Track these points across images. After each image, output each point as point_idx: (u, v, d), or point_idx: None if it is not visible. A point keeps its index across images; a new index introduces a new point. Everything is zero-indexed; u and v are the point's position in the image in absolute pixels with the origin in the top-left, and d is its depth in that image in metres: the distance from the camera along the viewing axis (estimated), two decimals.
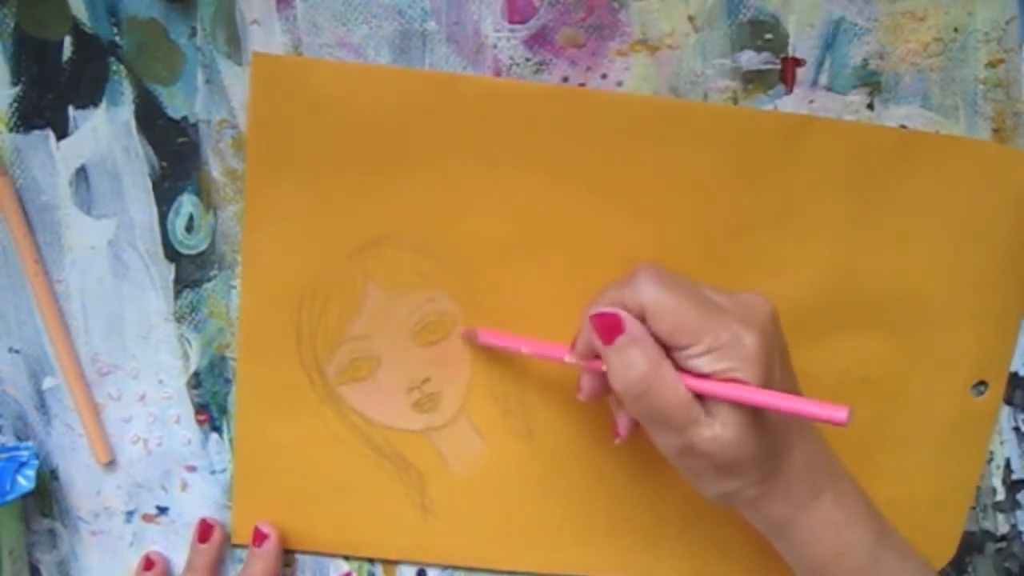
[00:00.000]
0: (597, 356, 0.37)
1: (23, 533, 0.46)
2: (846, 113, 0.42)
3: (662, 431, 0.35)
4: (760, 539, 0.40)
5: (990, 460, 0.46)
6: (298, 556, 0.46)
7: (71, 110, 0.42)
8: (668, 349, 0.35)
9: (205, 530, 0.45)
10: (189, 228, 0.43)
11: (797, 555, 0.39)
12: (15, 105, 0.42)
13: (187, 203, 0.43)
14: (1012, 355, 0.45)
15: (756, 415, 0.35)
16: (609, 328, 0.35)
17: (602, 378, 0.37)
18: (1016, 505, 0.47)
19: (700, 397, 0.35)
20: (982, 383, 0.45)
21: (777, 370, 0.36)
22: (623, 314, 0.35)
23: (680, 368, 0.35)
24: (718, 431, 0.34)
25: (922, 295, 0.43)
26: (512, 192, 0.42)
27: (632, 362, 0.35)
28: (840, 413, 0.32)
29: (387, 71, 0.41)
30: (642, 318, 0.35)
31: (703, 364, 0.34)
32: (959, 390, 0.45)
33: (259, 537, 0.44)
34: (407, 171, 0.41)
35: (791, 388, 0.38)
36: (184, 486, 0.46)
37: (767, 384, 0.34)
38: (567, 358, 0.39)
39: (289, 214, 0.42)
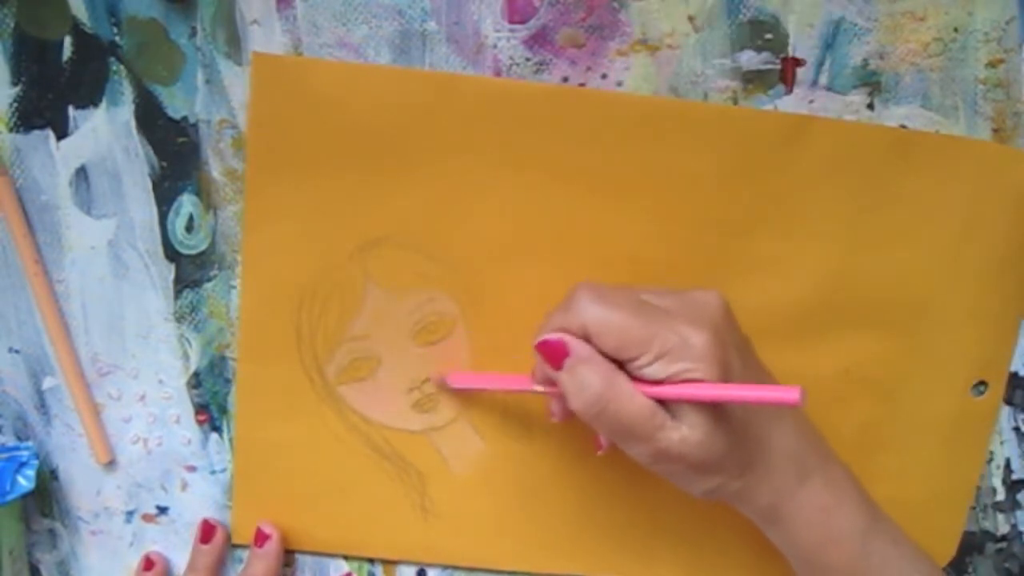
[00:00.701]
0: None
1: (23, 533, 0.46)
2: (846, 113, 0.42)
3: (630, 442, 0.35)
4: (758, 539, 0.40)
5: (990, 460, 0.46)
6: (298, 556, 0.46)
7: (71, 110, 0.42)
8: (620, 363, 0.35)
9: (207, 531, 0.45)
10: (189, 228, 0.43)
11: (790, 543, 0.39)
12: (15, 105, 0.42)
13: (187, 203, 0.43)
14: (1012, 355, 0.45)
15: (721, 411, 0.35)
16: (555, 353, 0.35)
17: None
18: (1016, 505, 0.47)
19: (664, 403, 0.35)
20: (982, 383, 0.45)
21: (736, 363, 0.35)
22: (566, 337, 0.35)
23: (636, 379, 0.35)
24: (686, 433, 0.34)
25: (922, 295, 0.43)
26: (512, 192, 0.42)
27: (585, 382, 0.35)
28: (792, 394, 0.32)
29: (387, 71, 0.41)
30: (587, 338, 0.35)
31: (656, 371, 0.34)
32: (959, 390, 0.45)
33: (261, 537, 0.44)
34: (407, 171, 0.41)
35: (757, 379, 0.37)
36: (184, 486, 0.46)
37: (725, 379, 0.34)
38: (535, 388, 0.39)
39: (289, 214, 0.42)
